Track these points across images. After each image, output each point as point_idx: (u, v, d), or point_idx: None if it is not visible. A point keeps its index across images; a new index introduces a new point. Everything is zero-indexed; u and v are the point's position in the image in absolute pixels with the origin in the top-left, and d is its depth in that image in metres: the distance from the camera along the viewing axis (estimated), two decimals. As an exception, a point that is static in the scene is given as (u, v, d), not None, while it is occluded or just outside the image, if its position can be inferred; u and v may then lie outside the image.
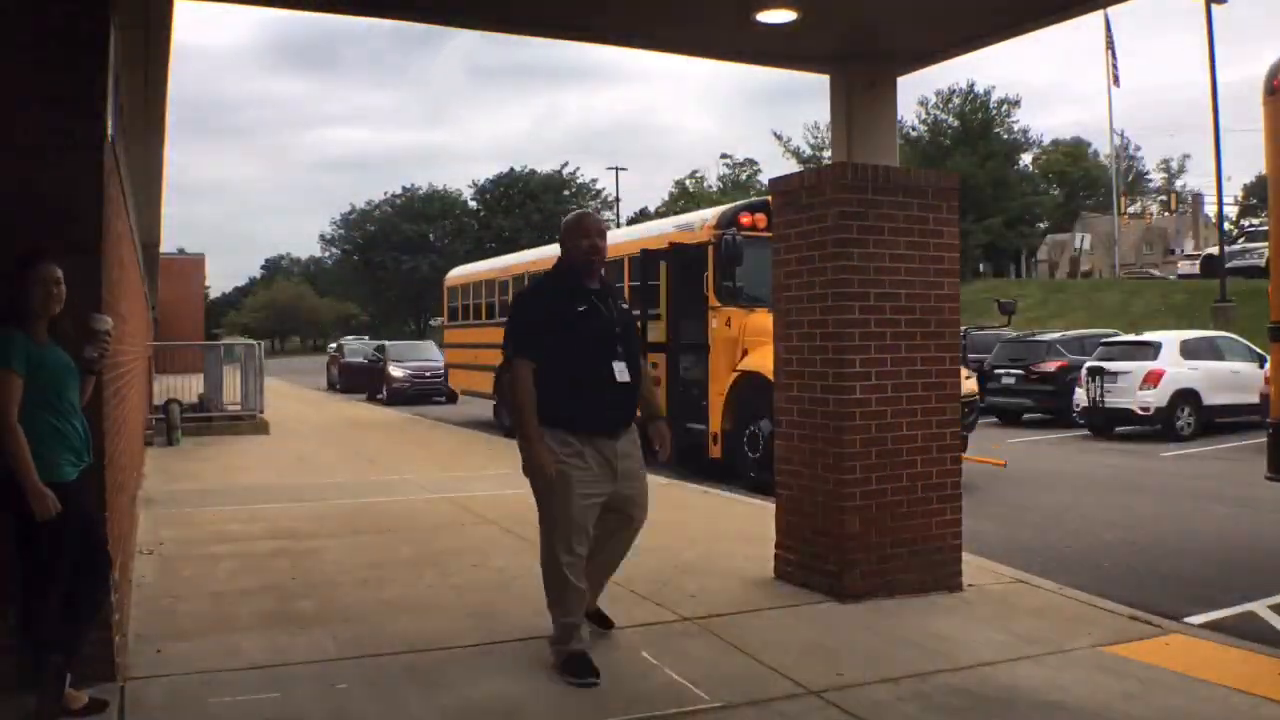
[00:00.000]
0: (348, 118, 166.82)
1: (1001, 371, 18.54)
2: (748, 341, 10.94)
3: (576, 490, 4.28)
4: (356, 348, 34.03)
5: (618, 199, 69.40)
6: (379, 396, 26.21)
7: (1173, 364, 15.81)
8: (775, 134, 76.51)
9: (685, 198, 74.56)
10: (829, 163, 6.14)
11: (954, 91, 54.84)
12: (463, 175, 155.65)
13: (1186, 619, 5.49)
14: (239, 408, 16.89)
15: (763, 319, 9.79)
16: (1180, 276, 39.16)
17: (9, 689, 3.76)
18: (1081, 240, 54.18)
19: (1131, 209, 61.95)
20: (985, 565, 6.42)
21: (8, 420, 3.54)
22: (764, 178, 65.40)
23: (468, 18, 5.88)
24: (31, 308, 3.71)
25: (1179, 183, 69.68)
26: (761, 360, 9.87)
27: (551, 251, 19.28)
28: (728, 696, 4.08)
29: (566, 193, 76.03)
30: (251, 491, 9.73)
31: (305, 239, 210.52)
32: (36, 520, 3.57)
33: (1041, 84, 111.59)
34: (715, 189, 71.55)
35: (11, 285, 3.68)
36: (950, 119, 55.39)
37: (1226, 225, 39.59)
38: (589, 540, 4.39)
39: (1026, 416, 18.54)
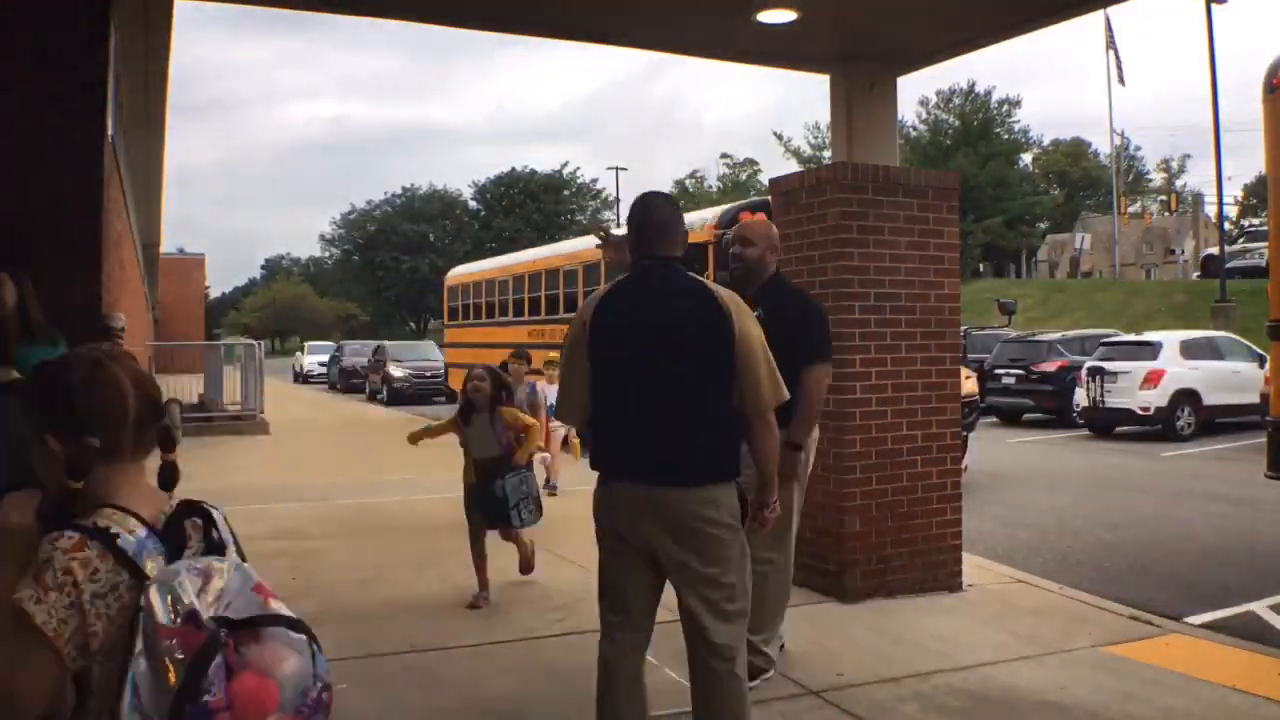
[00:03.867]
0: (330, 89, 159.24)
1: (1002, 371, 18.52)
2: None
3: None
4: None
5: (618, 199, 69.30)
6: (379, 396, 26.32)
7: (1173, 364, 15.79)
8: (775, 134, 76.51)
9: (685, 198, 74.58)
10: (829, 163, 6.14)
11: (954, 91, 54.90)
12: (459, 156, 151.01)
13: (1186, 619, 5.48)
14: (239, 408, 16.89)
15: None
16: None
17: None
18: (1081, 240, 54.15)
19: (1131, 209, 61.88)
20: (985, 565, 6.42)
21: None
22: (764, 178, 65.40)
23: (469, 18, 5.88)
24: None
25: (1179, 183, 69.72)
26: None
27: (551, 252, 19.23)
28: (728, 696, 4.08)
29: (567, 192, 75.98)
30: (252, 491, 9.72)
31: (305, 238, 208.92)
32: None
33: (1042, 82, 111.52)
34: (715, 189, 71.52)
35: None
36: (950, 119, 55.38)
37: (1227, 225, 39.55)
38: None
39: (1027, 416, 18.53)
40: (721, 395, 3.00)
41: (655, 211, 3.18)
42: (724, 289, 3.11)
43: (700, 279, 3.13)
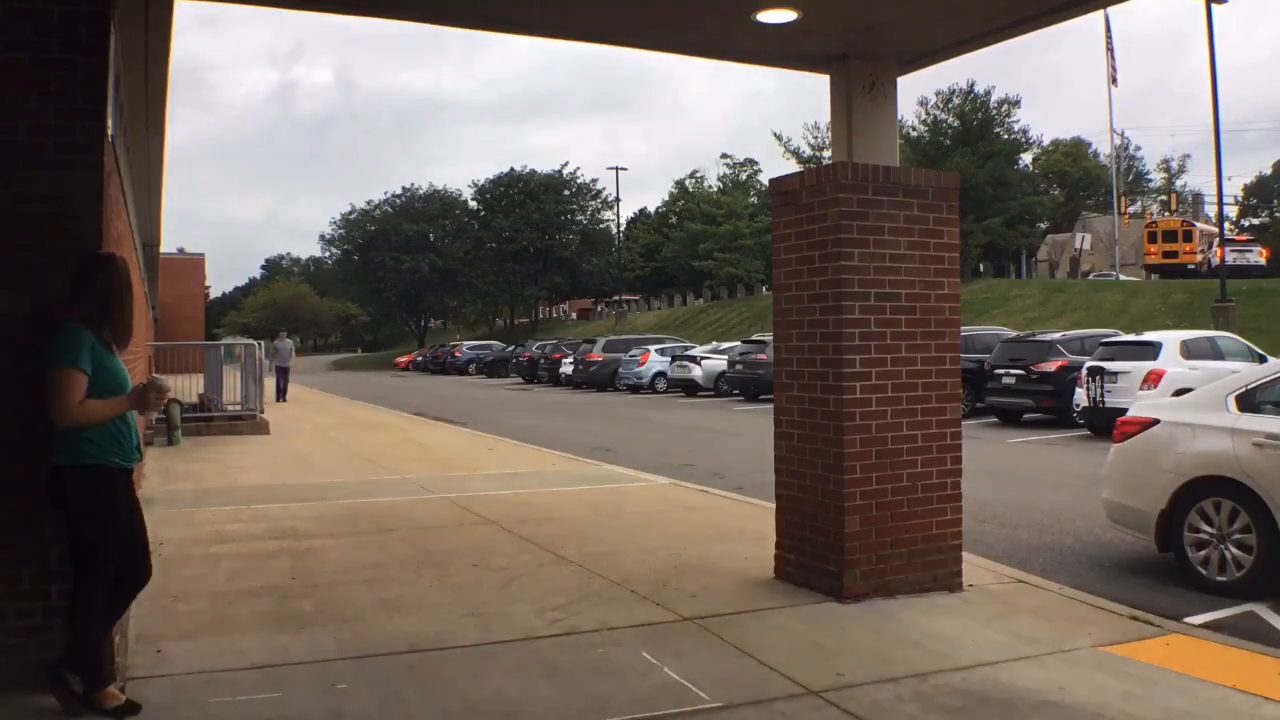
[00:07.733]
0: (310, 53, 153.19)
1: (1002, 371, 18.52)
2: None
3: None
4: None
5: (618, 199, 69.43)
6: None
7: (1173, 364, 15.79)
8: (775, 134, 76.36)
9: (685, 198, 74.50)
10: (829, 163, 6.14)
11: (954, 91, 54.76)
12: (457, 141, 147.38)
13: (1186, 619, 5.48)
14: (239, 408, 16.89)
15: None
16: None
17: (9, 689, 3.76)
18: (1081, 240, 54.10)
19: (1131, 209, 61.83)
20: (985, 565, 6.42)
21: (73, 409, 3.59)
22: (764, 178, 65.39)
23: (469, 17, 5.88)
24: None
25: (1179, 183, 69.70)
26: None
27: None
28: (728, 696, 4.09)
29: (566, 192, 75.99)
30: (251, 491, 9.73)
31: (304, 238, 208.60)
32: (85, 514, 3.63)
33: (1042, 82, 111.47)
34: (715, 189, 71.48)
35: (88, 284, 3.72)
36: (950, 119, 55.32)
37: (1226, 225, 39.53)
38: None
39: (1027, 416, 18.53)
40: None
41: None
42: None
43: None
